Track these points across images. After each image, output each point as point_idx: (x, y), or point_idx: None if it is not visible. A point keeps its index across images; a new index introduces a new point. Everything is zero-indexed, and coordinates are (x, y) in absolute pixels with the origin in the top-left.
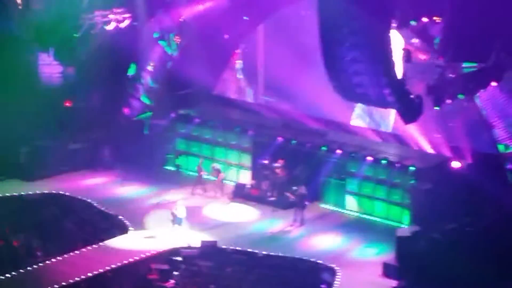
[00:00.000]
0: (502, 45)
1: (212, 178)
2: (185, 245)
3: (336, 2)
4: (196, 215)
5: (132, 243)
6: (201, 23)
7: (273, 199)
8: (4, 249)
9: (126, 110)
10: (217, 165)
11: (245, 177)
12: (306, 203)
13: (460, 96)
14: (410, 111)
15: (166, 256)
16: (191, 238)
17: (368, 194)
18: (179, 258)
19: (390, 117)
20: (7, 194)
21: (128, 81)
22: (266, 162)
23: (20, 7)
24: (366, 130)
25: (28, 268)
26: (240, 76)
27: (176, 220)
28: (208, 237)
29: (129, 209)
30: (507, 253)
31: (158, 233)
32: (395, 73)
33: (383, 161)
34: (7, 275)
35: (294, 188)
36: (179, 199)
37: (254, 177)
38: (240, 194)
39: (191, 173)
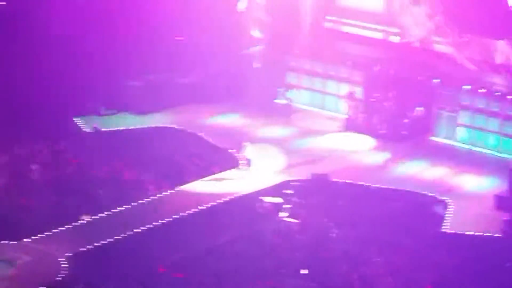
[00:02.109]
0: None
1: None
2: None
3: None
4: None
5: (243, 176)
6: None
7: (384, 131)
8: (116, 183)
9: (236, 44)
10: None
11: (357, 110)
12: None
13: None
14: None
15: (278, 189)
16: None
17: (481, 126)
18: (291, 191)
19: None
20: (120, 128)
21: (239, 15)
22: (377, 95)
23: None
24: (477, 62)
25: (140, 201)
26: None
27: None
28: (319, 170)
29: (240, 143)
30: None
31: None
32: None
33: (496, 93)
34: (120, 208)
35: (406, 120)
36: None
37: (365, 110)
38: (352, 127)
39: (301, 106)
